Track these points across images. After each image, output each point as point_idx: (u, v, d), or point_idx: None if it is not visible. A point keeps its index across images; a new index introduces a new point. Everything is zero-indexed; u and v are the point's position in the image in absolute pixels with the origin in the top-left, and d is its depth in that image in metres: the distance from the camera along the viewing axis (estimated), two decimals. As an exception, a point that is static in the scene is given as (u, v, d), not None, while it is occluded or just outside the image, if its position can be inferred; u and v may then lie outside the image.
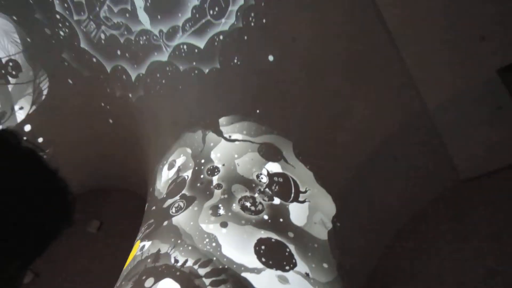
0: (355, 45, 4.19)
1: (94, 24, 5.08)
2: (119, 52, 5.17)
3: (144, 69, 5.10)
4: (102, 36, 5.13)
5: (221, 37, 4.59)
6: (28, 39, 5.60)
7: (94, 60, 5.43)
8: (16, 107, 6.19)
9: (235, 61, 4.63)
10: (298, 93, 4.54)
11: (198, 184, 4.45)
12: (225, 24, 4.51)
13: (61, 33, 5.38)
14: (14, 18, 5.44)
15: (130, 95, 5.32)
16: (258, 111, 4.62)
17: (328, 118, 4.54)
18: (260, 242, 3.84)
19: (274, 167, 4.65)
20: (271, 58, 4.49)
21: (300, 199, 4.51)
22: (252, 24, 4.45)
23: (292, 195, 4.50)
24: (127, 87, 5.35)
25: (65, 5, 5.23)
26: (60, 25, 5.35)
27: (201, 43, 4.67)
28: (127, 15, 5.05)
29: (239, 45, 4.57)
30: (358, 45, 4.18)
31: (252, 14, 4.42)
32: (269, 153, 4.66)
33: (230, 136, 4.79)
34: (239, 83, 4.68)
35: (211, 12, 4.63)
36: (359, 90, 4.37)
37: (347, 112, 4.46)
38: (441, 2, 4.02)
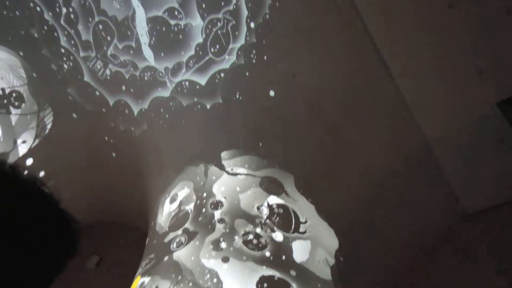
0: (353, 81, 4.28)
1: (101, 63, 5.22)
2: (123, 88, 5.27)
3: (147, 104, 5.19)
4: (108, 72, 5.25)
5: (222, 75, 4.71)
6: (34, 74, 5.72)
7: (97, 93, 5.53)
8: (19, 141, 6.23)
9: (237, 96, 4.71)
10: (298, 128, 4.59)
11: (200, 218, 4.42)
12: (226, 62, 4.63)
13: (65, 66, 5.50)
14: (21, 53, 5.58)
15: (133, 129, 5.37)
16: (259, 145, 4.65)
17: (329, 152, 4.56)
18: (262, 279, 3.76)
19: (275, 199, 4.63)
20: (272, 93, 4.58)
21: (301, 230, 4.47)
22: (254, 61, 4.57)
23: (293, 226, 4.46)
24: (130, 121, 5.41)
25: (72, 42, 5.38)
26: (65, 58, 5.48)
27: (202, 80, 4.80)
28: (132, 51, 5.19)
29: (241, 81, 4.67)
30: (357, 80, 4.27)
31: (254, 52, 4.54)
32: (271, 186, 4.65)
33: (232, 170, 4.79)
34: (241, 118, 4.74)
35: (212, 49, 4.78)
36: (359, 124, 4.41)
37: (348, 147, 4.48)
38: (438, 37, 4.13)
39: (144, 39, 5.15)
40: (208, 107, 4.86)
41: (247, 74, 4.63)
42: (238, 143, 4.79)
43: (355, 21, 4.05)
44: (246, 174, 4.72)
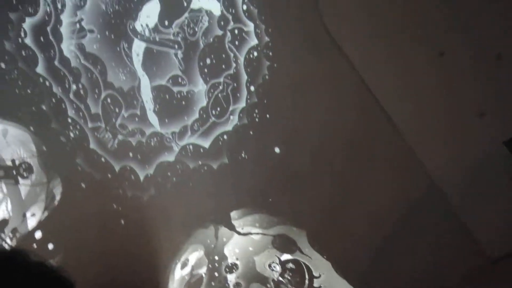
0: (356, 131, 4.35)
1: (111, 134, 5.38)
2: (131, 154, 5.36)
3: (153, 169, 5.26)
4: (116, 142, 5.38)
5: (225, 137, 4.83)
6: (44, 148, 5.86)
7: (103, 160, 5.61)
8: (28, 214, 6.23)
9: (243, 155, 4.78)
10: (306, 182, 4.59)
11: (214, 283, 4.29)
12: (229, 124, 4.77)
13: (71, 134, 5.64)
14: (31, 129, 5.76)
15: (141, 195, 5.39)
16: (269, 202, 4.63)
17: (339, 204, 4.52)
18: None
19: (288, 256, 4.54)
20: (277, 150, 4.64)
21: (315, 285, 4.32)
22: (257, 120, 4.69)
23: (307, 281, 4.32)
24: (137, 187, 5.43)
25: (80, 114, 5.57)
26: (71, 127, 5.63)
27: (206, 143, 4.91)
28: (137, 119, 5.36)
29: (246, 140, 4.76)
30: (359, 129, 4.34)
31: (256, 111, 4.68)
32: (284, 244, 4.59)
33: (243, 230, 4.74)
34: (248, 176, 4.77)
35: (213, 112, 4.94)
36: (366, 174, 4.41)
37: (355, 197, 4.45)
38: (437, 81, 4.26)
39: (149, 105, 5.34)
40: (215, 167, 4.90)
41: (251, 133, 4.73)
42: (247, 202, 4.77)
43: (353, 74, 4.21)
44: (258, 233, 4.66)
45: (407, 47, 4.20)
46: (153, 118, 5.34)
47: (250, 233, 4.65)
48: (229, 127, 4.81)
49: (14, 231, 5.40)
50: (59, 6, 4.91)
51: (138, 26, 5.01)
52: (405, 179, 4.54)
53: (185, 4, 4.66)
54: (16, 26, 5.01)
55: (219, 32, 4.74)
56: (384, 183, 4.53)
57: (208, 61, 4.87)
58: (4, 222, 6.01)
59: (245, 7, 4.43)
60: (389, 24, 4.26)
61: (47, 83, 5.31)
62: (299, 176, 4.65)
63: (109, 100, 5.24)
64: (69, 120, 5.59)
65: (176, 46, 4.89)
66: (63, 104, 5.45)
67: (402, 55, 4.36)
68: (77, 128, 5.57)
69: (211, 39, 4.80)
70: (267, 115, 4.65)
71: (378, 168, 4.53)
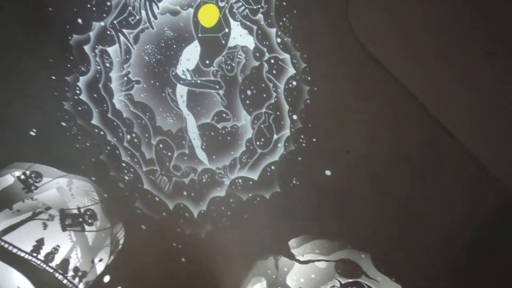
0: (414, 147, 4.14)
1: (166, 178, 5.63)
2: (185, 193, 5.53)
3: (205, 205, 5.39)
4: (172, 183, 5.61)
5: (272, 167, 4.87)
6: (105, 195, 6.22)
7: (157, 199, 5.83)
8: (96, 260, 6.57)
9: (294, 181, 4.74)
10: (363, 203, 4.42)
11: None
12: (275, 153, 4.81)
13: (126, 177, 5.93)
14: (93, 178, 6.15)
15: (199, 232, 5.49)
16: (327, 228, 4.50)
17: (405, 224, 4.27)
18: None
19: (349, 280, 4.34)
20: (328, 173, 4.55)
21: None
22: (304, 145, 4.67)
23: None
24: (193, 224, 5.56)
25: (135, 159, 5.87)
26: (126, 171, 5.94)
27: (255, 175, 4.99)
28: (186, 158, 5.55)
29: (295, 166, 4.74)
30: (418, 146, 4.13)
31: (302, 136, 4.66)
32: (347, 269, 4.39)
33: (303, 258, 4.63)
34: (303, 202, 4.70)
35: (257, 143, 5.01)
36: (430, 189, 4.15)
37: (426, 215, 4.18)
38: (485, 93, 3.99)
39: (197, 142, 5.52)
40: (267, 197, 4.91)
41: (300, 159, 4.70)
42: (304, 229, 4.68)
43: (398, 87, 4.07)
44: (319, 260, 4.53)
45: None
46: (201, 154, 5.51)
47: (311, 261, 4.52)
48: (275, 157, 4.86)
49: (84, 276, 5.69)
50: (107, 64, 5.35)
51: (179, 71, 5.27)
52: (475, 192, 4.20)
53: (223, 41, 4.85)
54: (72, 86, 5.49)
55: (256, 63, 4.85)
56: (452, 197, 4.22)
57: (249, 92, 4.99)
58: (76, 269, 6.37)
59: (279, 39, 4.53)
60: (424, 39, 4.10)
61: (102, 133, 5.70)
62: (356, 197, 4.49)
63: (161, 145, 5.55)
64: (123, 165, 5.91)
65: (217, 86, 5.08)
66: (117, 150, 5.81)
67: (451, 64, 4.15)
68: (131, 171, 5.87)
69: (249, 71, 4.92)
70: (314, 139, 4.61)
71: (442, 183, 4.25)
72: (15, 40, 5.28)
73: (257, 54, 4.79)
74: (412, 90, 4.20)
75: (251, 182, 5.02)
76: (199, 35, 4.92)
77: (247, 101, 5.01)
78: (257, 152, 4.99)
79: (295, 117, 4.68)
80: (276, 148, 4.89)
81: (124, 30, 5.20)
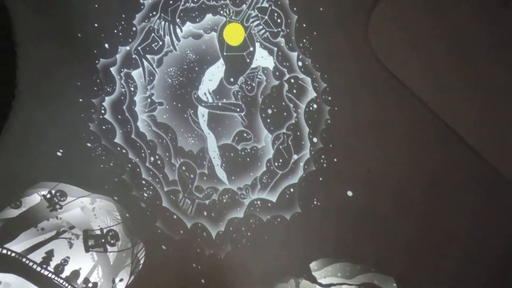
0: (437, 163, 4.04)
1: (189, 201, 5.69)
2: (205, 213, 5.55)
3: (224, 226, 5.38)
4: (195, 206, 5.66)
5: (291, 190, 4.85)
6: (127, 214, 6.31)
7: (175, 217, 5.87)
8: (117, 280, 6.60)
9: (315, 202, 4.68)
10: (387, 223, 4.31)
11: None
12: (295, 175, 4.81)
13: (145, 195, 6.00)
14: (115, 198, 6.25)
15: (218, 252, 5.46)
16: (349, 250, 4.39)
17: (429, 244, 4.13)
18: None
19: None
20: (350, 193, 4.47)
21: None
22: (325, 165, 4.62)
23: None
24: (213, 244, 5.54)
25: (157, 179, 5.95)
26: (145, 188, 6.01)
27: (273, 197, 4.98)
28: (205, 178, 5.59)
29: (316, 187, 4.68)
30: (441, 162, 4.03)
31: (323, 156, 4.62)
32: (372, 294, 4.24)
33: (325, 281, 4.51)
34: (324, 223, 4.63)
35: (275, 164, 5.01)
36: (455, 208, 4.02)
37: (450, 234, 4.03)
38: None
39: (216, 161, 5.55)
40: (288, 218, 4.85)
41: (321, 179, 4.65)
42: (326, 251, 4.59)
43: (420, 105, 4.01)
44: (341, 284, 4.40)
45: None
46: (221, 173, 5.53)
47: (333, 285, 4.40)
48: (295, 179, 4.84)
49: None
50: (132, 88, 5.54)
51: (201, 92, 5.38)
52: (502, 208, 4.05)
53: (248, 60, 4.91)
54: (98, 108, 5.68)
55: (276, 82, 4.89)
56: (477, 214, 4.08)
57: (269, 111, 5.02)
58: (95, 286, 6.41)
59: (300, 63, 4.58)
60: (443, 56, 4.07)
61: (125, 152, 5.84)
62: (379, 218, 4.39)
63: (184, 168, 5.63)
64: (145, 184, 6.00)
65: (238, 109, 5.16)
66: (138, 168, 5.92)
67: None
68: (150, 188, 5.95)
69: (269, 91, 4.96)
70: (335, 159, 4.56)
71: (468, 199, 4.11)
72: (43, 64, 5.54)
73: (277, 73, 4.83)
74: (433, 107, 4.14)
75: (269, 204, 5.00)
76: (224, 53, 5.02)
77: (268, 120, 5.04)
78: (277, 173, 4.98)
79: (315, 139, 4.66)
80: (295, 170, 4.86)
81: (148, 56, 5.38)
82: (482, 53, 3.83)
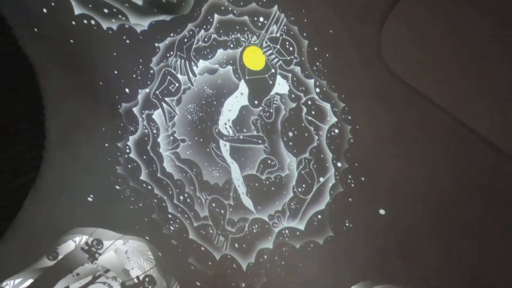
0: (471, 174, 3.89)
1: (223, 237, 5.68)
2: (236, 245, 5.49)
3: (254, 257, 5.31)
4: (229, 241, 5.64)
5: (319, 217, 4.78)
6: (159, 253, 6.32)
7: (202, 249, 5.83)
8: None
9: (347, 224, 4.57)
10: (425, 240, 4.13)
11: None
12: (322, 199, 4.74)
13: (172, 228, 6.00)
14: (147, 238, 6.30)
15: (254, 285, 5.35)
16: (388, 272, 4.22)
17: (474, 263, 3.92)
18: None
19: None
20: (382, 212, 4.35)
21: None
22: (352, 185, 4.54)
23: None
24: (246, 277, 5.44)
25: (186, 215, 5.97)
26: (171, 222, 6.03)
27: (301, 225, 4.91)
28: (231, 209, 5.59)
29: (346, 208, 4.59)
30: (474, 173, 3.88)
31: (350, 176, 4.55)
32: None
33: (367, 306, 4.33)
34: (359, 245, 4.49)
35: (299, 189, 4.96)
36: (494, 224, 3.82)
37: (496, 250, 3.82)
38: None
39: (241, 189, 5.54)
40: (321, 243, 4.74)
41: (350, 200, 4.56)
42: (364, 274, 4.42)
43: (444, 116, 3.92)
44: (385, 308, 4.20)
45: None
46: (247, 201, 5.51)
47: (377, 309, 4.21)
48: (321, 205, 4.79)
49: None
50: (154, 130, 5.71)
51: (221, 123, 5.45)
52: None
53: (270, 82, 4.96)
54: (123, 150, 5.83)
55: (293, 105, 4.91)
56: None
57: (290, 134, 5.01)
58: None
59: (318, 89, 4.61)
60: (458, 67, 4.01)
61: (150, 187, 5.93)
62: (416, 235, 4.22)
63: (214, 204, 5.66)
64: (169, 216, 6.02)
65: (260, 141, 5.20)
66: (167, 207, 5.97)
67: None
68: (176, 221, 5.96)
69: (288, 114, 4.98)
70: (362, 178, 4.48)
71: (508, 208, 3.91)
72: (69, 114, 5.78)
73: (293, 96, 4.85)
74: (462, 118, 4.04)
75: (298, 233, 4.93)
76: (246, 77, 5.11)
77: (290, 143, 5.03)
78: (303, 199, 4.93)
79: (339, 164, 4.61)
80: (322, 195, 4.80)
81: (166, 99, 5.56)
82: (499, 57, 3.76)
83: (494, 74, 3.80)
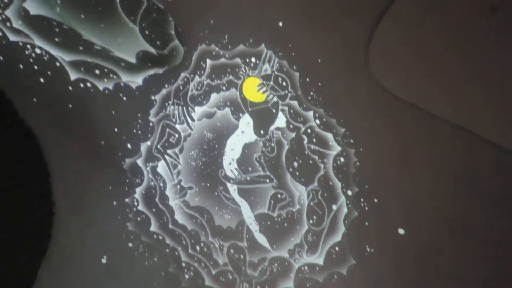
0: (486, 183, 3.82)
1: (247, 284, 5.53)
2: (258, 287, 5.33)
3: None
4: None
5: (337, 249, 4.67)
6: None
7: None
8: None
9: (368, 249, 4.44)
10: (453, 263, 3.99)
11: None
12: (336, 232, 4.66)
13: (186, 276, 5.82)
14: (166, 292, 6.12)
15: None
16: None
17: (495, 267, 3.77)
18: None
19: None
20: (401, 231, 4.24)
21: None
22: (366, 208, 4.46)
23: None
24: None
25: (202, 264, 5.83)
26: (186, 270, 5.86)
27: (320, 260, 4.79)
28: (246, 251, 5.46)
29: (364, 233, 4.48)
30: (495, 183, 3.80)
31: (362, 200, 4.48)
32: None
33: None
34: (384, 269, 4.34)
35: (310, 221, 4.88)
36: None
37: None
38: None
39: (254, 227, 5.45)
40: (345, 273, 4.59)
41: (367, 224, 4.46)
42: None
43: (454, 131, 3.91)
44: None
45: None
46: (261, 238, 5.39)
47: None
48: (338, 236, 4.68)
49: None
50: (161, 184, 5.72)
51: (226, 163, 5.45)
52: None
53: (274, 111, 4.98)
54: (131, 206, 5.81)
55: (293, 135, 4.91)
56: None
57: (295, 164, 4.98)
58: None
59: (317, 120, 4.65)
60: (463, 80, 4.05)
61: (161, 237, 5.83)
62: (440, 250, 4.09)
63: (232, 251, 5.56)
64: (183, 264, 5.88)
65: (268, 180, 5.18)
66: (175, 252, 5.85)
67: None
68: (191, 269, 5.81)
69: (289, 144, 4.98)
70: (375, 200, 4.40)
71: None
72: (75, 179, 5.83)
73: (291, 126, 4.86)
74: (468, 126, 4.02)
75: (317, 268, 4.78)
76: (249, 109, 5.14)
77: (297, 173, 4.99)
78: (320, 231, 4.83)
79: (349, 192, 4.56)
80: (336, 226, 4.70)
81: (168, 151, 5.61)
82: (500, 58, 3.79)
83: (499, 77, 3.82)
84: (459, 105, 4.03)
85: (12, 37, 5.49)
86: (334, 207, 4.70)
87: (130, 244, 5.81)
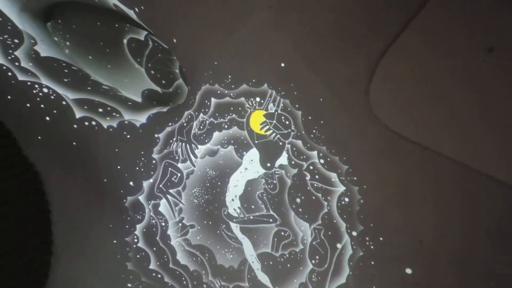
0: (488, 220, 3.78)
1: None
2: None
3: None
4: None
5: None
6: None
7: None
8: None
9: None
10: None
11: None
12: (341, 276, 4.56)
13: None
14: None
15: None
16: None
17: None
18: None
19: None
20: (409, 271, 4.13)
21: None
22: (372, 247, 4.38)
23: None
24: None
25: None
26: None
27: None
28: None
29: (370, 273, 4.37)
30: (491, 219, 3.77)
31: (367, 238, 4.40)
32: None
33: None
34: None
35: (313, 261, 4.78)
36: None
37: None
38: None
39: (256, 265, 5.32)
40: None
41: (373, 263, 4.36)
42: None
43: (454, 166, 3.92)
44: None
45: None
46: (263, 277, 5.25)
47: None
48: (342, 279, 4.56)
49: None
50: (162, 223, 5.66)
51: (229, 201, 5.41)
52: None
53: (280, 144, 4.98)
54: (131, 244, 5.70)
55: (295, 171, 4.90)
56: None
57: (298, 200, 4.95)
58: None
59: (320, 158, 4.67)
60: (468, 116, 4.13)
61: (160, 276, 5.67)
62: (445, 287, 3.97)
63: None
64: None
65: (271, 220, 5.13)
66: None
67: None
68: None
69: (291, 180, 4.96)
70: (380, 238, 4.33)
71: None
72: (76, 217, 5.76)
73: (293, 162, 4.87)
74: (463, 160, 4.04)
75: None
76: (256, 142, 5.16)
77: (300, 209, 4.94)
78: (323, 272, 4.71)
79: (354, 233, 4.51)
80: (340, 267, 4.59)
81: (170, 191, 5.59)
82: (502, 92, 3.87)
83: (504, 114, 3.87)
84: (465, 144, 4.06)
85: (20, 77, 5.64)
86: (339, 245, 4.62)
87: (129, 285, 5.65)
